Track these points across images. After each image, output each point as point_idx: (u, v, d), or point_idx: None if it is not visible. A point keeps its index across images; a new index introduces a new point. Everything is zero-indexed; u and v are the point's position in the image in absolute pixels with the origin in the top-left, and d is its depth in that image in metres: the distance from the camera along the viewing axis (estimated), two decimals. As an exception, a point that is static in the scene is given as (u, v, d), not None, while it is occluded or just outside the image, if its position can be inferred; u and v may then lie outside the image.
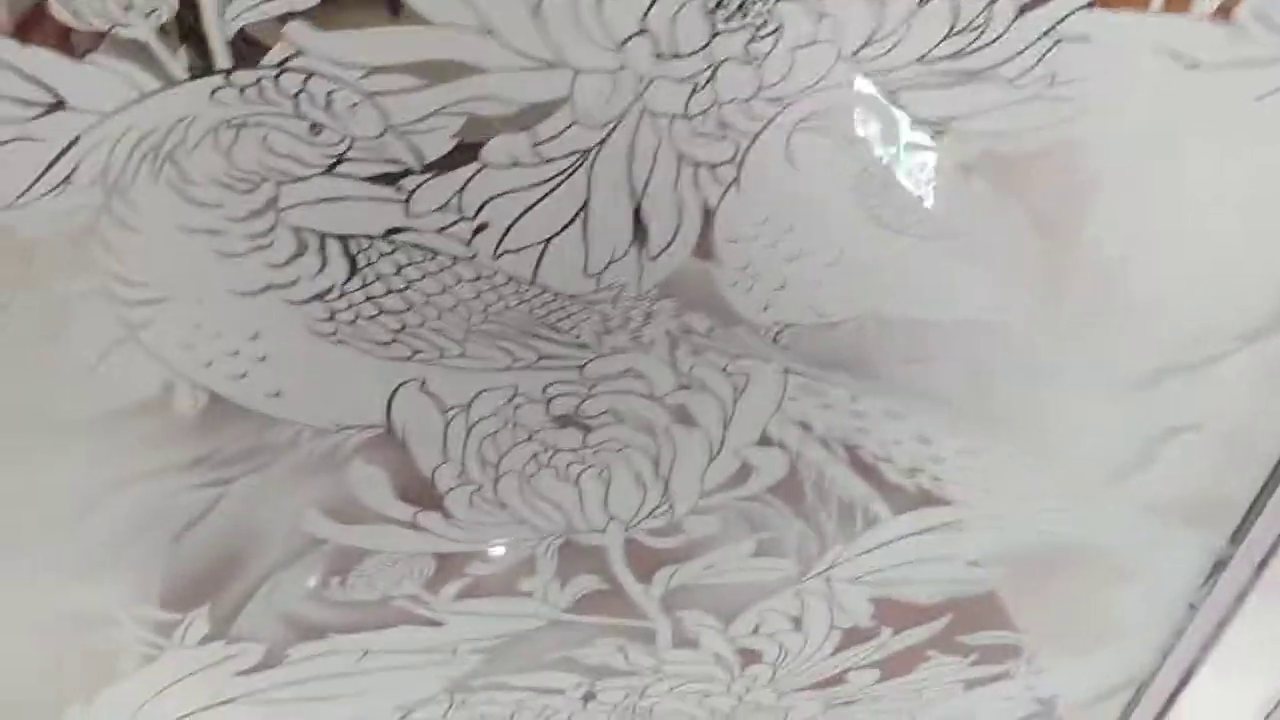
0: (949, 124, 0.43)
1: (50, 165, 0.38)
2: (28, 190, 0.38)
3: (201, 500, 0.52)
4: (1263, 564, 0.72)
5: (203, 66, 0.36)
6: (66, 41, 0.35)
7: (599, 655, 0.68)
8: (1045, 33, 0.40)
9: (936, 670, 0.77)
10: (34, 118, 0.36)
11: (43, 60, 0.35)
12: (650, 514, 0.58)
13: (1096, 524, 0.68)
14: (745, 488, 0.58)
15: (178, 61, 0.36)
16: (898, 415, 0.56)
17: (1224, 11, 0.41)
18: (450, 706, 0.69)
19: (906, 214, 0.46)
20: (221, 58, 0.36)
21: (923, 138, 0.43)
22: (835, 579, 0.66)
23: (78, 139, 0.37)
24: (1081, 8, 0.40)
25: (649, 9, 0.37)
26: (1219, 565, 0.74)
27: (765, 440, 0.55)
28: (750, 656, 0.72)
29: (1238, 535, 0.72)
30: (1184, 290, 0.53)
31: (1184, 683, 0.84)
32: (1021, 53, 0.41)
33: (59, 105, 0.36)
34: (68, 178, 0.38)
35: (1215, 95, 0.44)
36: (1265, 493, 0.69)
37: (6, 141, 0.36)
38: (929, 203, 0.46)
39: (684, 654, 0.70)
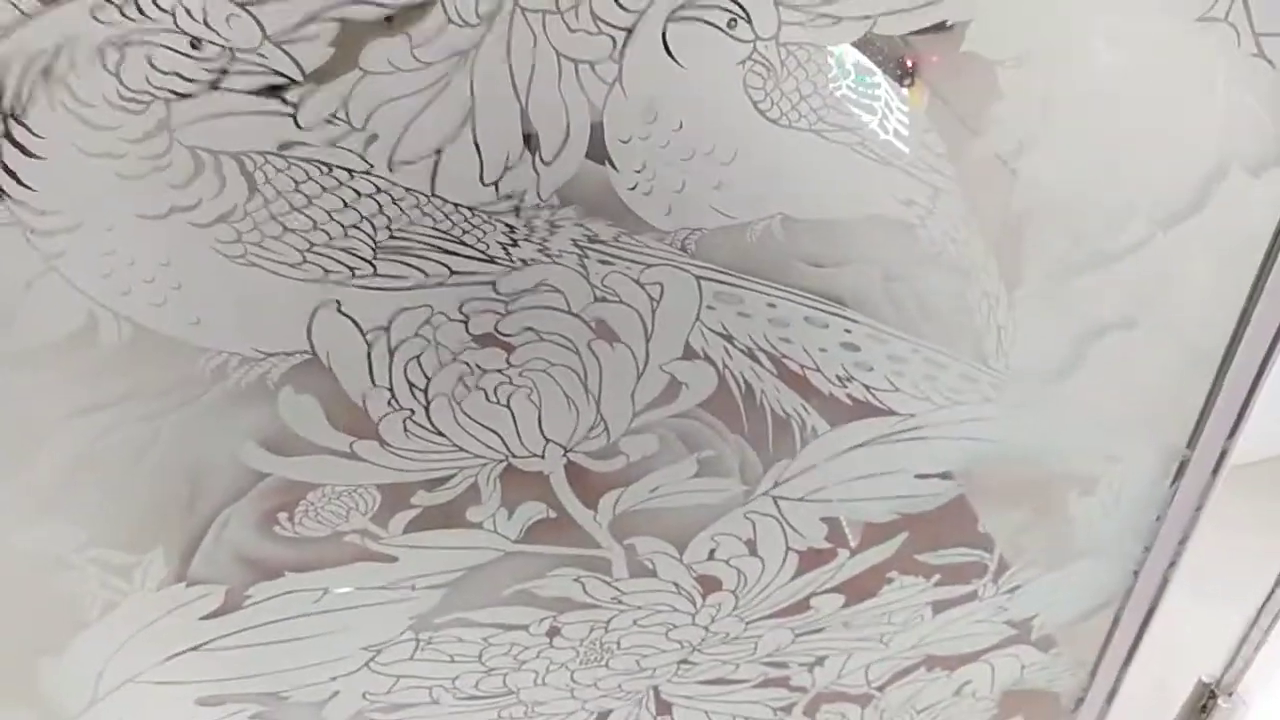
0: (823, 8, 0.44)
1: (-56, 91, 0.39)
2: (-74, 119, 0.40)
3: (140, 435, 0.54)
4: (1217, 468, 0.72)
5: (78, -16, 0.38)
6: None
7: (557, 587, 0.69)
8: (906, -94, 0.41)
9: (901, 593, 0.78)
10: (-78, 43, 0.38)
11: (-78, -15, 0.37)
12: (586, 436, 0.59)
13: (1044, 431, 0.68)
14: (676, 404, 0.59)
15: (54, -20, 0.37)
16: (819, 323, 0.57)
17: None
18: (417, 646, 0.70)
19: (797, 107, 0.47)
20: (96, -26, 0.38)
21: (800, 25, 0.44)
22: (782, 498, 0.67)
23: (-34, 63, 0.39)
24: (938, -122, 0.41)
25: (504, -98, 0.38)
26: (1180, 474, 0.74)
27: (689, 353, 0.56)
28: (710, 584, 0.72)
29: (1193, 441, 0.72)
30: (1091, 176, 0.53)
31: (1156, 602, 0.84)
32: (885, -72, 0.42)
33: (-56, 29, 0.38)
34: (-37, 104, 0.40)
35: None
36: (1213, 396, 0.69)
37: (-103, 68, 0.38)
38: (817, 94, 0.47)
39: (643, 583, 0.71)
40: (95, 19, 0.39)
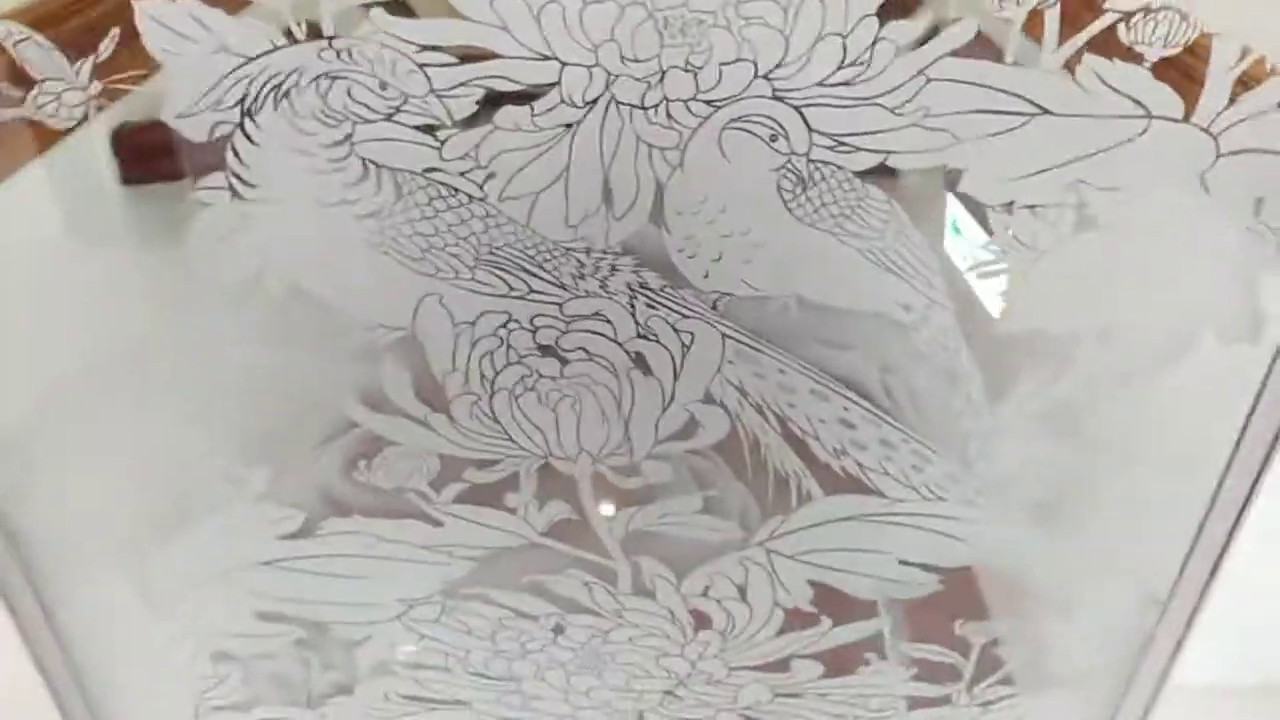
0: (846, 138, 0.56)
1: (211, 89, 0.56)
2: (195, 105, 0.57)
3: (275, 370, 0.69)
4: (1191, 620, 0.77)
5: (315, 32, 0.54)
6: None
7: (568, 587, 0.80)
8: (917, 73, 0.53)
9: (877, 678, 0.84)
10: (207, 55, 0.55)
11: (217, 17, 0.54)
12: (613, 451, 0.71)
13: (1023, 546, 0.75)
14: (692, 441, 0.70)
15: (299, 28, 0.54)
16: (821, 395, 0.67)
17: (1068, 67, 0.53)
18: (442, 611, 0.82)
19: (818, 211, 0.59)
20: (328, 28, 0.54)
21: (827, 148, 0.57)
22: (775, 552, 0.76)
23: (232, 72, 0.56)
24: (944, 55, 0.53)
25: (614, 24, 0.53)
26: (1159, 621, 0.79)
27: (709, 398, 0.68)
28: (701, 620, 0.81)
29: (1173, 591, 0.77)
30: (1073, 313, 0.62)
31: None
32: (898, 87, 0.54)
33: (223, 48, 0.55)
34: (219, 100, 0.57)
35: (1069, 142, 0.55)
36: (1192, 550, 0.74)
37: (189, 69, 0.55)
38: (836, 204, 0.59)
39: (642, 603, 0.80)
40: (319, 57, 0.55)
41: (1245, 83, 0.53)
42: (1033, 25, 0.52)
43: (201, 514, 0.77)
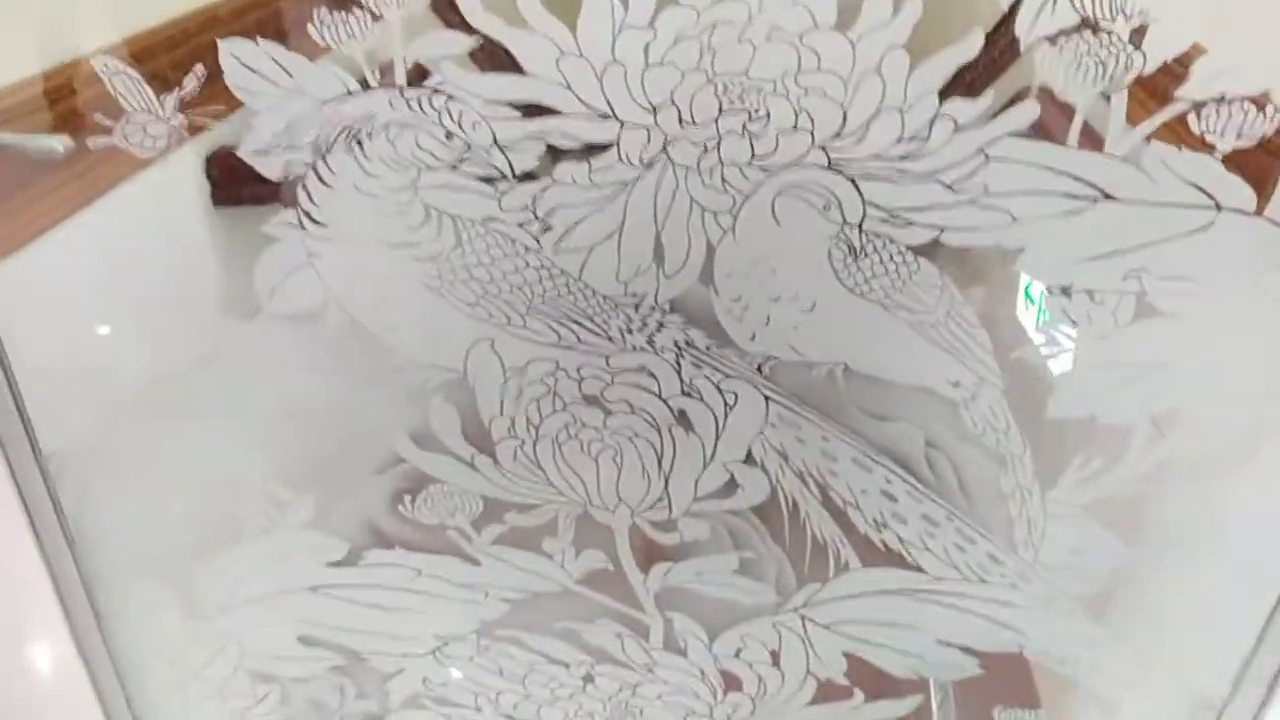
0: (901, 212, 0.56)
1: (286, 129, 0.59)
2: (271, 143, 0.59)
3: (329, 401, 0.71)
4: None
5: (387, 81, 0.56)
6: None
7: (599, 636, 0.79)
8: (976, 151, 0.53)
9: (910, 759, 0.81)
10: (284, 96, 0.58)
11: (296, 61, 0.57)
12: (652, 506, 0.71)
13: (1068, 637, 0.72)
14: (731, 501, 0.69)
15: (373, 76, 0.56)
16: (864, 465, 0.66)
17: (1133, 154, 0.52)
18: (476, 649, 0.82)
19: (869, 282, 0.59)
20: (400, 78, 0.56)
21: (880, 220, 0.56)
22: (809, 620, 0.74)
23: (303, 114, 0.58)
24: (1006, 134, 0.52)
25: (675, 88, 0.54)
26: (1214, 729, 0.75)
27: (750, 460, 0.67)
28: (732, 682, 0.80)
29: (1229, 699, 0.73)
30: (1121, 402, 0.60)
31: None
32: (957, 164, 0.54)
33: (300, 91, 0.57)
34: (294, 140, 0.59)
35: (1132, 229, 0.54)
36: (1251, 658, 0.70)
37: (268, 109, 0.58)
38: (887, 276, 0.58)
39: (672, 659, 0.79)
40: (390, 106, 0.57)
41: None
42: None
43: (249, 536, 0.79)
